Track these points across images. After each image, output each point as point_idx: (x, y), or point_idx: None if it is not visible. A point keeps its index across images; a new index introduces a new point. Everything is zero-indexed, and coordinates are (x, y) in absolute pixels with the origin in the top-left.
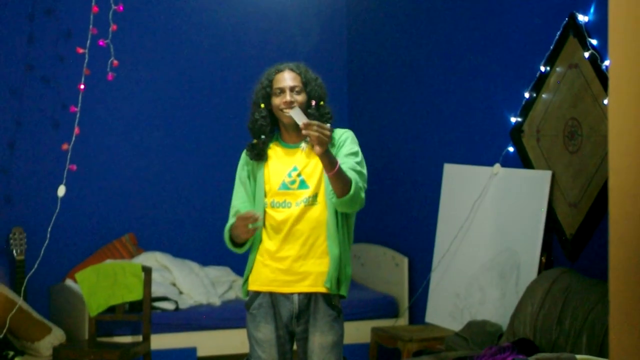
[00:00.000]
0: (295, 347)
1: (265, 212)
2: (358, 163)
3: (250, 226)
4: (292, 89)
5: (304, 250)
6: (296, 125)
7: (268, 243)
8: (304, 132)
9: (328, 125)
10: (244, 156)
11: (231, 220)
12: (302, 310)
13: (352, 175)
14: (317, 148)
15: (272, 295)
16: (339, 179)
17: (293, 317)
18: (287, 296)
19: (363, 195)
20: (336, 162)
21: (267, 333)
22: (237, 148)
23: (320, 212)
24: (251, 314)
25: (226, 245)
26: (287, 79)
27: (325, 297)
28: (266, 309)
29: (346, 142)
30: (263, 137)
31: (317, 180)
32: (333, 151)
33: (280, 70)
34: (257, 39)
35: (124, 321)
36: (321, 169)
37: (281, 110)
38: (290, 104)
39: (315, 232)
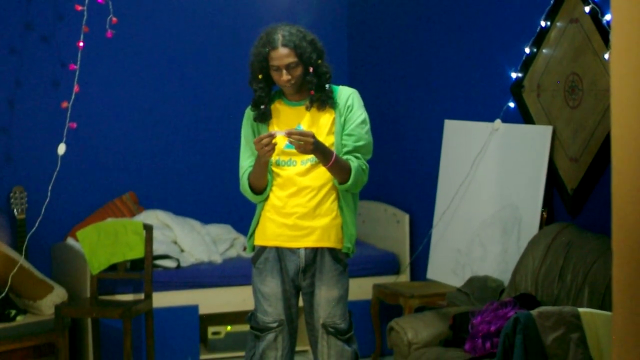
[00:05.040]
0: (301, 301)
1: (271, 170)
2: (367, 132)
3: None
4: (287, 67)
5: (310, 206)
6: (298, 88)
7: (274, 199)
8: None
9: (311, 132)
10: (247, 113)
11: (244, 177)
12: (309, 265)
13: (353, 163)
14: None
15: (278, 249)
16: (336, 169)
17: (299, 272)
18: (294, 251)
19: (366, 178)
20: (331, 155)
21: (274, 287)
22: (237, 105)
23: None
24: (257, 268)
25: (247, 198)
26: (281, 56)
27: (332, 251)
28: (272, 263)
29: (354, 107)
30: (262, 107)
31: (322, 139)
32: (339, 114)
33: (274, 47)
34: None
35: (125, 279)
36: (327, 128)
37: (281, 85)
38: (288, 82)
39: (322, 190)
